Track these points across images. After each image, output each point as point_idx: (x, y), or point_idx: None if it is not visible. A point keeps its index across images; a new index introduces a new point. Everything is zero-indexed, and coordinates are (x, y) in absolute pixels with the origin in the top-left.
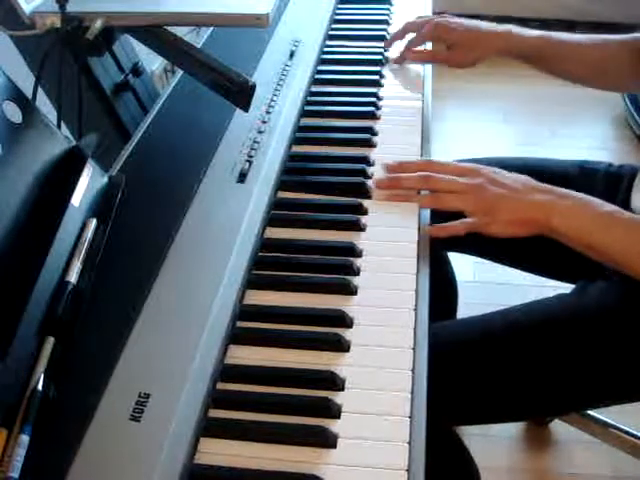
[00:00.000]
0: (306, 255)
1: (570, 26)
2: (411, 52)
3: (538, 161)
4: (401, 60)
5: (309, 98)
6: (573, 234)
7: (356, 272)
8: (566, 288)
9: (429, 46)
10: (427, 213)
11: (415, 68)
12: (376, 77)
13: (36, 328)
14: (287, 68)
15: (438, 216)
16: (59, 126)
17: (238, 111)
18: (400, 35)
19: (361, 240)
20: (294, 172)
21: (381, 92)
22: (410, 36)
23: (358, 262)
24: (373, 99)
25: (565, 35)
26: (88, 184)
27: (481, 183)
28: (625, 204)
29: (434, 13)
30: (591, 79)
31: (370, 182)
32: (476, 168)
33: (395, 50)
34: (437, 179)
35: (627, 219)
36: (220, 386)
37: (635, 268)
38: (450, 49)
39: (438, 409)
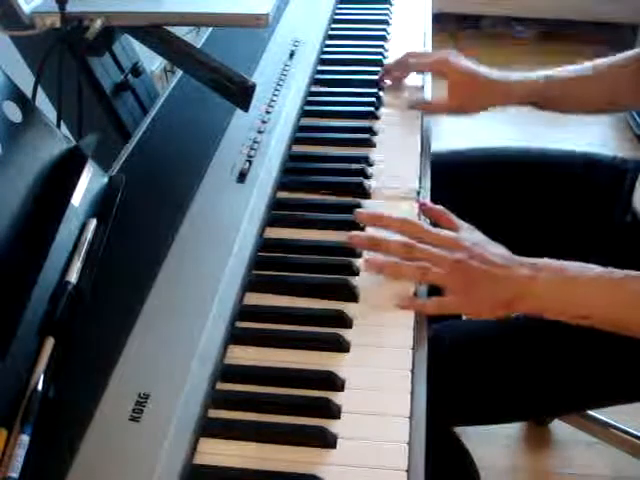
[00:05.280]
0: (306, 255)
1: (570, 26)
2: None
3: (541, 151)
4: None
5: (309, 98)
6: (560, 308)
7: (356, 272)
8: None
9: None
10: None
11: None
12: (376, 77)
13: (36, 328)
14: (287, 68)
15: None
16: (59, 126)
17: (238, 111)
18: (396, 67)
19: None
20: (294, 172)
21: (381, 92)
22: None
23: (358, 262)
24: (373, 99)
25: (566, 72)
26: (88, 184)
27: (461, 259)
28: (628, 202)
29: (434, 13)
30: (599, 109)
31: (369, 182)
32: (457, 240)
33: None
34: (419, 250)
35: (612, 281)
36: (220, 386)
37: (629, 328)
38: (452, 92)
39: (438, 409)
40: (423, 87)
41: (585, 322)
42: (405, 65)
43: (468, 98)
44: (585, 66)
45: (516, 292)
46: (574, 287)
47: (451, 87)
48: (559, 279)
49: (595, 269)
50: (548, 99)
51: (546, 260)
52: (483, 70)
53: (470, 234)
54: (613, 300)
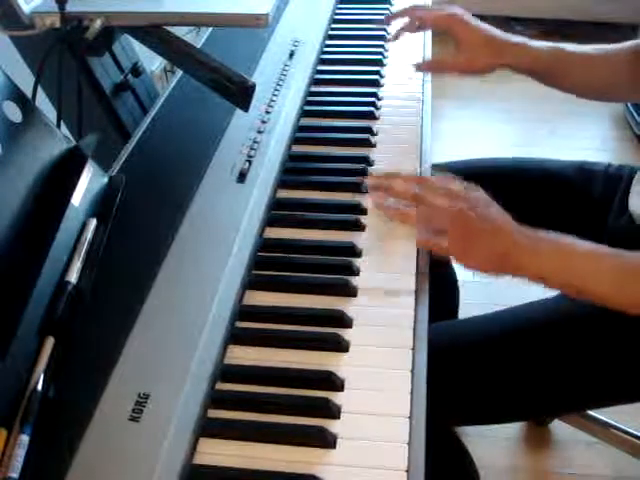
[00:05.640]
0: (306, 255)
1: (570, 26)
2: (422, 65)
3: (536, 162)
4: (396, 36)
5: (309, 98)
6: (547, 275)
7: (356, 272)
8: None
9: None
10: None
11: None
12: (376, 77)
13: (36, 328)
14: (287, 68)
15: None
16: (59, 126)
17: (238, 111)
18: (402, 14)
19: (361, 240)
20: (294, 172)
21: (381, 92)
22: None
23: (358, 262)
24: (373, 99)
25: (574, 48)
26: (88, 184)
27: (463, 209)
28: (622, 206)
29: None
30: (598, 93)
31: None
32: (462, 194)
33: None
34: (423, 199)
35: (600, 254)
36: (219, 386)
37: (610, 300)
38: (459, 50)
39: (438, 409)
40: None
41: (579, 296)
42: (412, 13)
43: (479, 56)
44: (590, 47)
45: (512, 251)
46: (569, 258)
47: (462, 44)
48: (555, 248)
49: (585, 244)
50: (553, 70)
51: (545, 232)
52: (494, 30)
53: (474, 191)
54: (599, 276)
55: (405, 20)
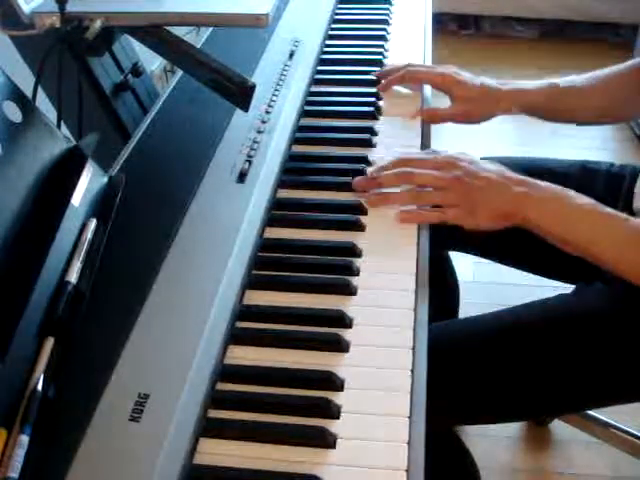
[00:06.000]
0: (306, 255)
1: (570, 26)
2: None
3: (538, 161)
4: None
5: (309, 98)
6: (548, 227)
7: (356, 272)
8: (566, 288)
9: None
10: None
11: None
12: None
13: (36, 328)
14: (287, 68)
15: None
16: (59, 126)
17: (238, 111)
18: (397, 80)
19: (361, 240)
20: (294, 172)
21: (381, 92)
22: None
23: (358, 262)
24: (373, 99)
25: (567, 82)
26: (88, 184)
27: (459, 176)
28: (627, 205)
29: (434, 13)
30: (597, 120)
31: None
32: (453, 160)
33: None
34: (415, 175)
35: (602, 213)
36: (219, 386)
37: (607, 261)
38: (456, 104)
39: (438, 409)
40: (423, 96)
41: (564, 246)
42: (405, 74)
43: (475, 108)
44: (586, 75)
45: (511, 204)
46: (566, 212)
47: (458, 100)
48: (554, 202)
49: (584, 199)
50: (549, 108)
51: (545, 183)
52: (488, 82)
53: (465, 155)
54: (596, 233)
55: (398, 76)
